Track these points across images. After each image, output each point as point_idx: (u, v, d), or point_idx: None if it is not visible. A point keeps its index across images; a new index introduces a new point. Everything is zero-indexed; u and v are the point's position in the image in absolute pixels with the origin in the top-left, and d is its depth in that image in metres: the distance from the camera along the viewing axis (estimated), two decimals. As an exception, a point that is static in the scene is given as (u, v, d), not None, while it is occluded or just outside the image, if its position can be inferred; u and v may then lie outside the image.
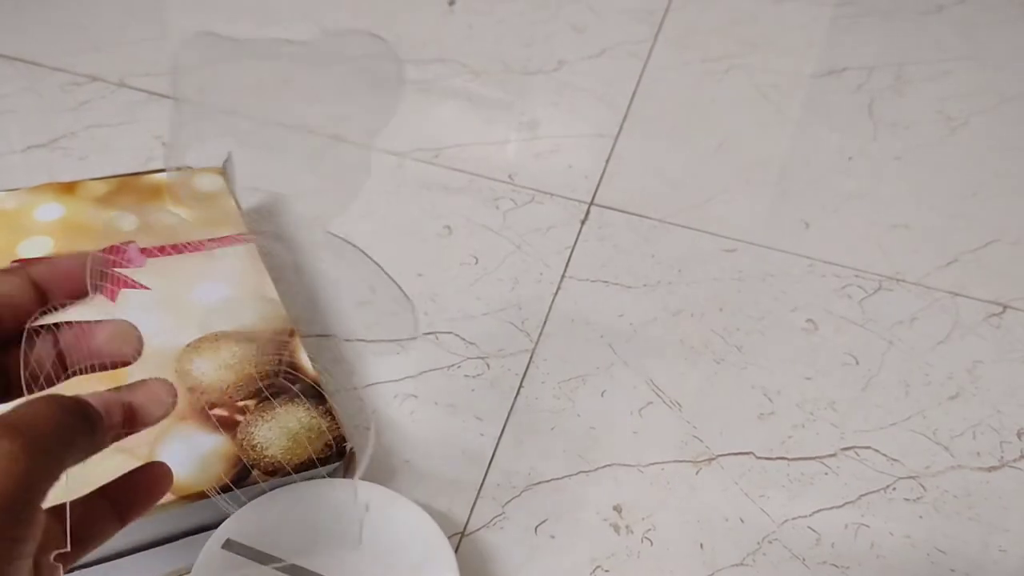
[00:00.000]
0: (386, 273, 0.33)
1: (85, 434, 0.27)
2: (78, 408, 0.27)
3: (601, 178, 0.73)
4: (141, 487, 0.33)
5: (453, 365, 0.57)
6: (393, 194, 0.69)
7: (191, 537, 0.42)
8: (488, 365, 0.57)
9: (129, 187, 0.55)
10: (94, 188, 0.54)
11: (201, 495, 0.41)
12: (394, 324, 0.53)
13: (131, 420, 0.31)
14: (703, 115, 0.82)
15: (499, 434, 0.53)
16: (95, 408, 0.28)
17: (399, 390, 0.55)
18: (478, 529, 0.48)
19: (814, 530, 0.50)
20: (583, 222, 0.69)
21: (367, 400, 0.54)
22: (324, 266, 0.55)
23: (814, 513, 0.50)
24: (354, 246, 0.31)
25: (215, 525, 0.41)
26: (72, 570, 0.40)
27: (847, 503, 0.51)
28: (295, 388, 0.47)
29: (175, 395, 0.32)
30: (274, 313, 0.50)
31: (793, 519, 0.50)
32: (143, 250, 0.50)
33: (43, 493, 0.25)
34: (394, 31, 0.87)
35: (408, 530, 0.42)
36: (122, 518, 0.32)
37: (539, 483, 0.51)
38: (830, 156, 0.79)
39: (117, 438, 0.30)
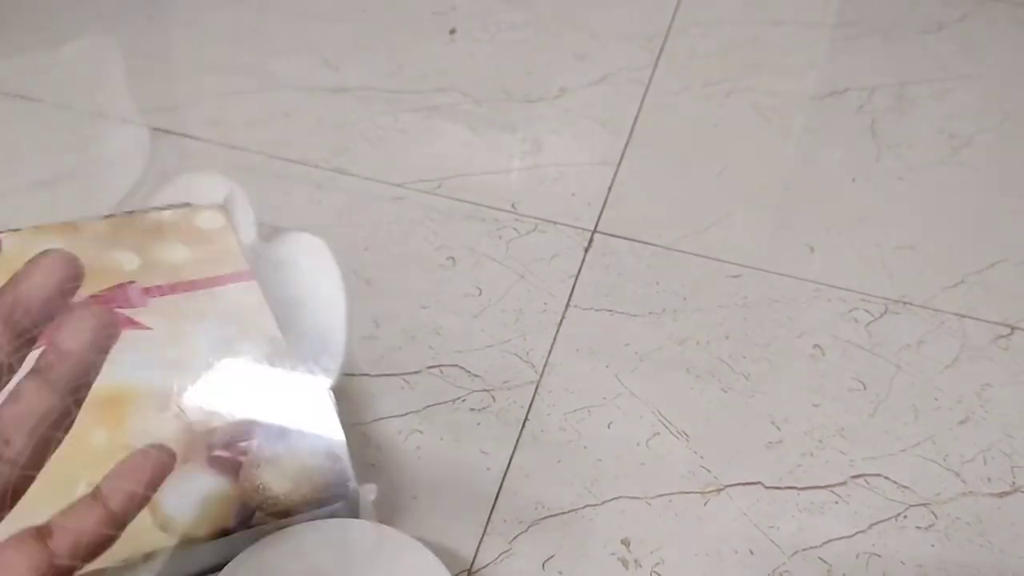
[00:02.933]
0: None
1: None
2: None
3: (604, 205, 0.73)
4: None
5: (458, 399, 0.57)
6: (395, 225, 0.69)
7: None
8: (493, 398, 0.57)
9: (131, 225, 0.55)
10: (95, 227, 0.54)
11: (204, 538, 0.41)
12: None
13: None
14: (705, 140, 0.82)
15: (505, 468, 0.53)
16: None
17: (404, 425, 0.55)
18: (485, 566, 0.48)
19: (825, 561, 0.49)
20: (587, 250, 0.68)
21: (372, 436, 0.53)
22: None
23: (825, 544, 0.50)
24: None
25: (219, 568, 0.41)
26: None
27: (858, 532, 0.51)
28: (300, 428, 0.47)
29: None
30: (276, 351, 0.50)
31: (804, 550, 0.49)
32: (145, 289, 0.50)
33: None
34: (395, 60, 0.87)
35: (414, 571, 0.42)
36: None
37: (546, 517, 0.50)
38: (833, 178, 0.78)
39: None
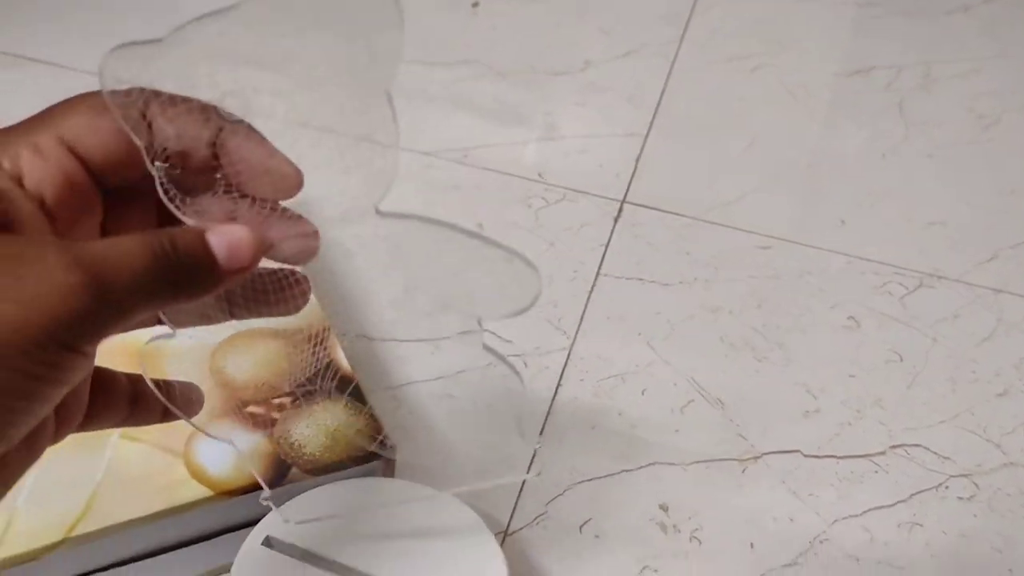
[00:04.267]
0: (501, 245, 0.29)
1: (183, 286, 0.24)
2: (185, 253, 0.24)
3: (632, 176, 0.72)
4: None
5: (489, 364, 0.55)
6: (423, 194, 0.68)
7: (230, 534, 0.41)
8: (525, 363, 0.56)
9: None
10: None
11: (239, 491, 0.40)
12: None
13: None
14: (732, 114, 0.81)
15: (539, 433, 0.52)
16: (209, 254, 0.24)
17: (435, 390, 0.54)
18: (521, 528, 0.47)
19: (867, 529, 0.48)
20: (616, 220, 0.67)
21: (402, 400, 0.52)
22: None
23: (865, 512, 0.49)
24: (423, 218, 0.28)
25: (254, 522, 0.40)
26: (116, 566, 0.39)
27: (899, 502, 0.50)
28: (332, 385, 0.46)
29: (313, 230, 0.28)
30: (309, 310, 0.49)
31: (844, 518, 0.48)
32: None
33: (90, 339, 0.22)
34: (418, 33, 0.86)
35: (451, 527, 0.41)
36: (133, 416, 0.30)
37: (581, 482, 0.49)
38: (862, 154, 0.77)
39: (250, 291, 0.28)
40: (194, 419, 0.31)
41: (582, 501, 0.48)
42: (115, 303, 0.22)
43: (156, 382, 0.29)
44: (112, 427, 0.30)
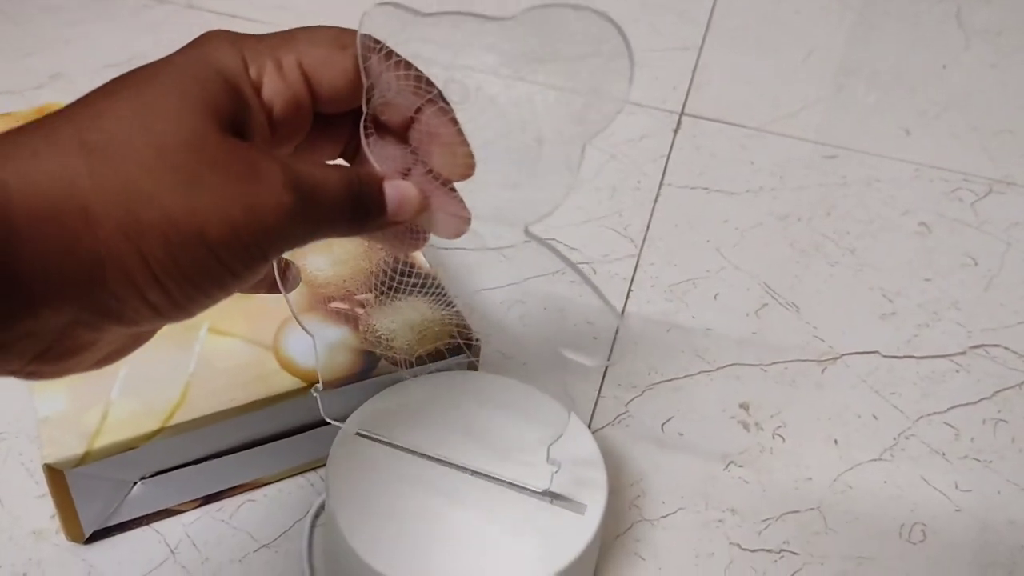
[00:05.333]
0: (590, 283, 0.32)
1: (355, 222, 0.27)
2: (366, 195, 0.27)
3: (689, 88, 0.71)
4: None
5: (558, 271, 0.55)
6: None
7: (323, 428, 0.41)
8: (595, 270, 0.55)
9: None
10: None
11: (333, 384, 0.40)
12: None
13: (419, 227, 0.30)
14: (787, 26, 0.79)
15: (613, 337, 0.51)
16: (383, 200, 0.27)
17: (505, 296, 0.53)
18: (603, 427, 0.46)
19: (951, 426, 0.47)
20: (676, 131, 0.66)
21: (475, 307, 0.52)
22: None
23: (949, 409, 0.48)
24: (553, 249, 0.30)
25: (344, 417, 0.40)
26: (211, 457, 0.39)
27: (982, 399, 0.49)
28: (414, 282, 0.45)
29: (467, 216, 0.30)
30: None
31: (928, 415, 0.48)
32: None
33: (281, 251, 0.25)
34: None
35: (538, 417, 0.41)
36: None
37: (660, 382, 0.49)
38: (922, 65, 0.76)
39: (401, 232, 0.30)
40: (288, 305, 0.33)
41: (662, 401, 0.48)
42: (311, 225, 0.25)
43: None
44: None
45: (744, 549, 0.41)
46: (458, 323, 0.43)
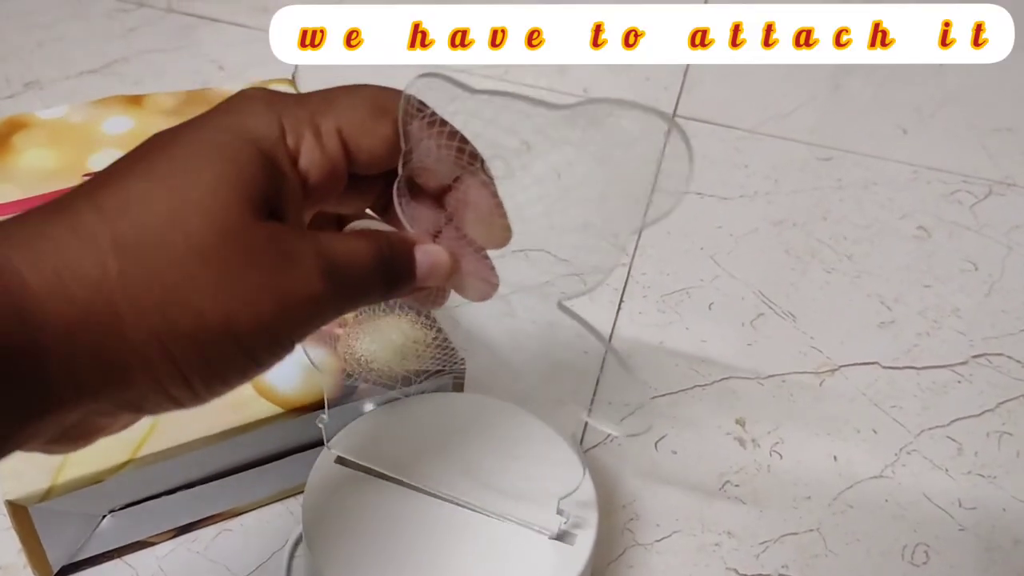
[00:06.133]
0: (618, 356, 0.32)
1: (385, 290, 0.26)
2: (396, 262, 0.26)
3: (681, 89, 0.69)
4: None
5: (546, 283, 0.53)
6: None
7: (300, 454, 0.39)
8: (584, 282, 0.53)
9: (197, 99, 0.52)
10: (162, 101, 0.51)
11: (308, 409, 0.38)
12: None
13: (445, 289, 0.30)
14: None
15: (604, 350, 0.49)
16: (413, 266, 0.27)
17: (492, 309, 0.51)
18: (594, 447, 0.45)
19: (954, 439, 0.46)
20: (667, 134, 0.64)
21: (461, 321, 0.50)
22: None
23: (952, 422, 0.47)
24: (587, 325, 0.30)
25: (323, 441, 0.38)
26: (184, 488, 0.38)
27: (985, 411, 0.47)
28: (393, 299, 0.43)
29: (496, 283, 0.30)
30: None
31: (930, 429, 0.46)
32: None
33: (307, 336, 0.24)
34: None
35: (528, 440, 0.39)
36: None
37: (654, 398, 0.47)
38: (918, 61, 0.74)
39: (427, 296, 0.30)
40: None
41: (656, 417, 0.46)
42: (343, 304, 0.25)
43: None
44: None
45: (742, 574, 0.40)
46: (441, 344, 0.41)
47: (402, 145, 0.27)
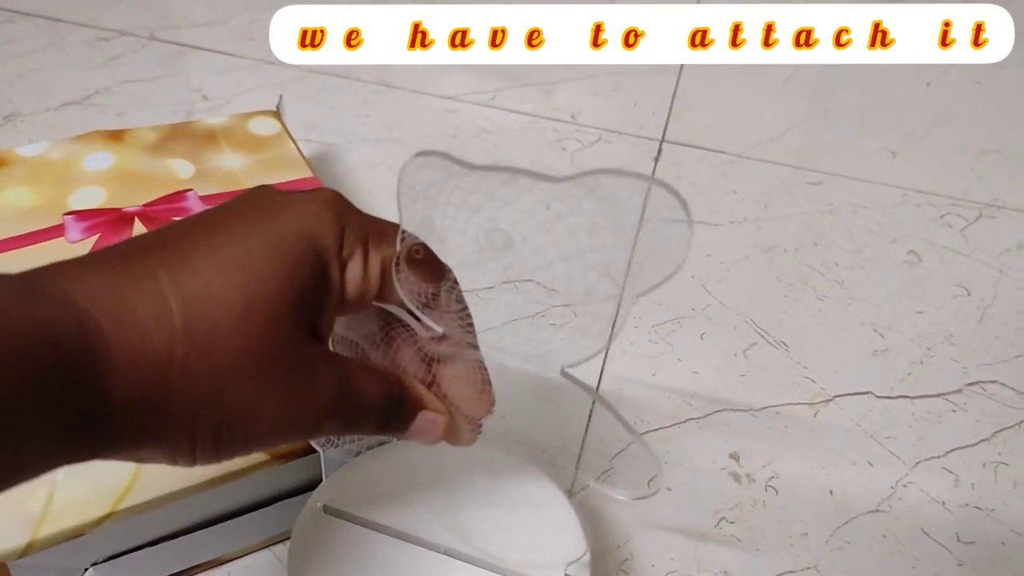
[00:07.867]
0: (629, 428, 0.31)
1: (378, 430, 0.28)
2: (398, 413, 0.29)
3: (669, 114, 0.69)
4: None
5: (536, 313, 0.53)
6: (452, 139, 0.64)
7: (286, 501, 0.38)
8: (574, 312, 0.53)
9: (180, 133, 0.51)
10: (143, 135, 0.50)
11: (294, 456, 0.37)
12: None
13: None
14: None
15: (596, 383, 0.49)
16: (409, 424, 0.29)
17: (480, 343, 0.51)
18: (587, 486, 0.44)
19: (950, 471, 0.45)
20: (656, 159, 0.64)
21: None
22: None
23: (947, 453, 0.46)
24: (591, 391, 0.31)
25: (310, 488, 0.37)
26: (168, 538, 0.37)
27: (981, 440, 0.47)
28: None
29: (477, 436, 0.32)
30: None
31: (926, 460, 0.46)
32: (203, 197, 0.46)
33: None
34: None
35: (517, 487, 0.38)
36: None
37: (646, 433, 0.47)
38: (906, 83, 0.74)
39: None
40: None
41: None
42: (342, 428, 0.27)
43: None
44: None
45: (739, 616, 0.39)
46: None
47: (400, 224, 0.28)
